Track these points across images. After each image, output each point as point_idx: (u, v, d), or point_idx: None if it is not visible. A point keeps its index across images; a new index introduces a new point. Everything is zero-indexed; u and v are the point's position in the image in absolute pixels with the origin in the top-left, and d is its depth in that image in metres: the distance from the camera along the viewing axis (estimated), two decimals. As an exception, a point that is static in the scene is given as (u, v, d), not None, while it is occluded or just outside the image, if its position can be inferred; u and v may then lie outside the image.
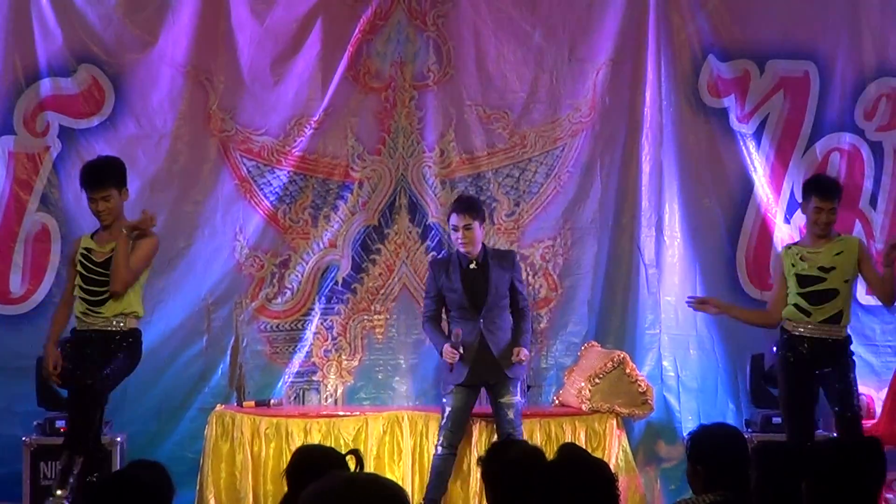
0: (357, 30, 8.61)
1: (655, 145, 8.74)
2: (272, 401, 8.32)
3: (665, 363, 8.68)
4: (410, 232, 8.74)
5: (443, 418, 7.63)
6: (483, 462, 4.70)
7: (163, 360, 8.43)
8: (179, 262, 8.40)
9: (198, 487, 7.79)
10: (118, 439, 7.87)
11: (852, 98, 8.73)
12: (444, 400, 7.66)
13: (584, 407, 7.94)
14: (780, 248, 7.93)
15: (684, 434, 8.12)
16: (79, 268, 7.13)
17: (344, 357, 8.67)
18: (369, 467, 7.11)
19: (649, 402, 8.01)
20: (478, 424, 7.85)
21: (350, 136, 8.68)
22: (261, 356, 8.62)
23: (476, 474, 7.55)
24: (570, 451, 4.48)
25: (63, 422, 7.51)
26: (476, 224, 7.65)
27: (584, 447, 7.07)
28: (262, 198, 8.63)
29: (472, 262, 7.68)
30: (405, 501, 2.78)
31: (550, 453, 4.54)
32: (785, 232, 8.60)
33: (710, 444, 4.61)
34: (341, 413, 8.16)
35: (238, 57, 8.58)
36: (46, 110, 8.48)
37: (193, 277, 8.52)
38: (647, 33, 8.71)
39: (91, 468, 6.91)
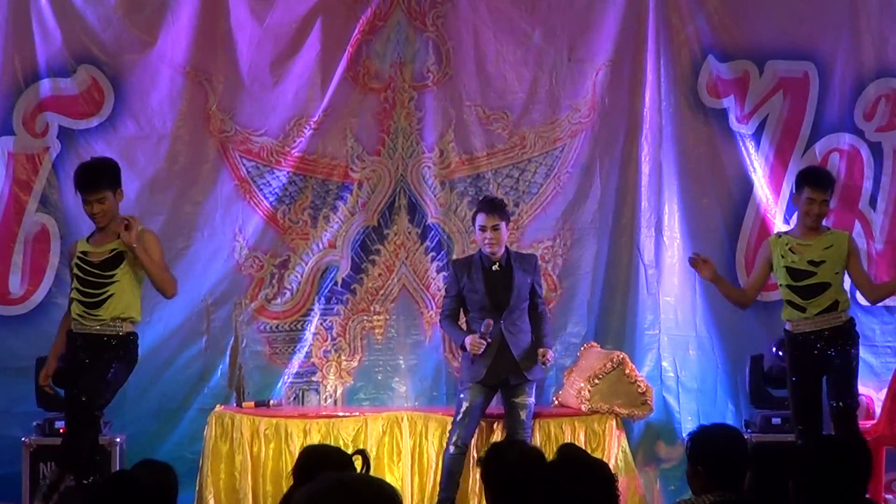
0: (356, 30, 8.61)
1: (655, 146, 8.74)
2: (271, 401, 8.32)
3: (664, 364, 8.68)
4: (410, 232, 8.74)
5: (458, 414, 7.61)
6: (482, 462, 4.70)
7: (162, 361, 8.44)
8: (179, 262, 8.38)
9: (197, 488, 7.78)
10: (118, 440, 7.87)
11: (852, 99, 8.73)
12: (462, 395, 7.64)
13: (583, 407, 7.94)
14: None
15: (684, 435, 8.14)
16: (75, 271, 7.11)
17: (343, 357, 8.67)
18: (369, 468, 7.10)
19: (649, 402, 8.01)
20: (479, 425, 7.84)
21: (349, 136, 8.68)
22: (260, 357, 8.62)
23: (476, 474, 7.54)
24: (569, 452, 4.49)
25: (62, 423, 7.50)
26: (503, 225, 7.67)
27: (583, 448, 7.08)
28: (262, 198, 8.63)
29: (495, 264, 7.68)
30: (398, 502, 2.78)
31: (550, 454, 4.54)
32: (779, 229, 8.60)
33: (710, 444, 4.61)
34: (341, 414, 8.16)
35: (237, 57, 8.58)
36: (46, 111, 8.48)
37: (193, 278, 8.51)
38: (647, 34, 8.71)
39: (86, 473, 6.87)
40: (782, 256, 7.37)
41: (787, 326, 7.39)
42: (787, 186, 8.60)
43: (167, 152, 8.57)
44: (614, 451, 7.85)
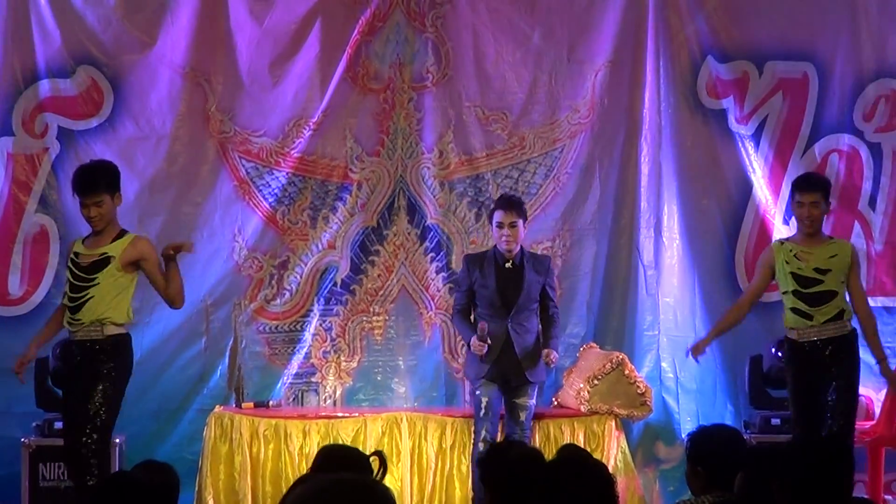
0: (356, 31, 8.61)
1: (654, 146, 8.74)
2: (271, 402, 8.31)
3: (664, 364, 8.68)
4: (409, 233, 8.74)
5: (479, 410, 7.58)
6: (482, 463, 4.70)
7: (161, 362, 8.43)
8: (178, 263, 8.35)
9: (196, 489, 7.78)
10: (117, 440, 7.84)
11: (851, 99, 8.74)
12: (478, 392, 7.62)
13: (582, 408, 7.94)
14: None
15: (683, 435, 8.15)
16: (67, 273, 7.08)
17: (343, 358, 8.67)
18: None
19: (648, 403, 8.00)
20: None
21: (349, 137, 8.68)
22: (259, 357, 8.62)
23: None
24: (571, 452, 4.49)
25: (61, 423, 7.47)
26: (520, 223, 7.67)
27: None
28: (261, 199, 8.63)
29: (508, 262, 7.69)
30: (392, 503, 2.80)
31: (549, 454, 4.54)
32: (784, 233, 8.58)
33: (710, 444, 4.61)
34: (340, 414, 8.15)
35: (237, 58, 8.58)
36: (45, 111, 8.48)
37: (192, 279, 8.47)
38: (646, 35, 8.72)
39: (86, 474, 6.84)
40: (787, 262, 7.33)
41: (792, 335, 7.31)
42: (787, 187, 8.58)
43: (166, 153, 8.57)
44: (613, 451, 7.85)
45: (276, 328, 8.65)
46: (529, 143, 8.74)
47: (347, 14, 8.63)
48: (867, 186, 8.75)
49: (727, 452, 4.55)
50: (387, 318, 8.71)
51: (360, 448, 7.34)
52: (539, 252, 8.34)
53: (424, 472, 7.85)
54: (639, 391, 7.98)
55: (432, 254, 8.70)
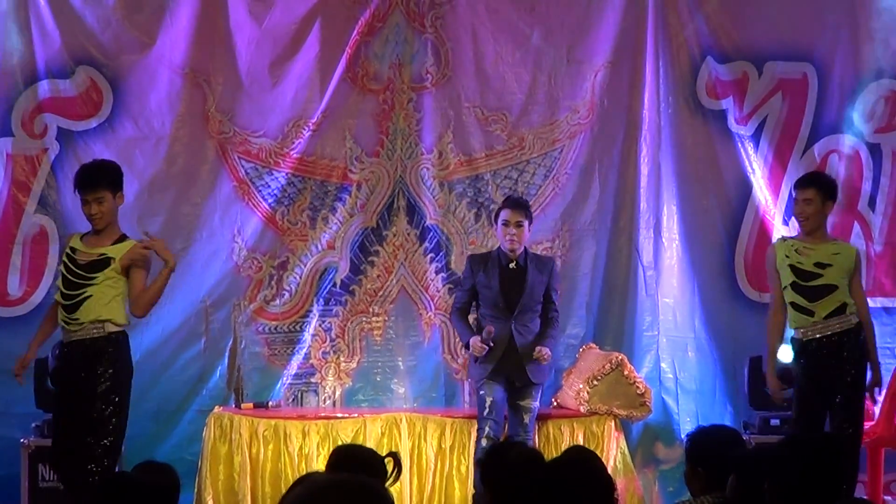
0: (355, 32, 8.61)
1: (654, 147, 8.74)
2: (270, 403, 8.32)
3: (663, 365, 8.68)
4: (409, 234, 8.74)
5: (483, 409, 7.58)
6: (482, 464, 4.70)
7: (161, 363, 8.43)
8: (178, 264, 8.33)
9: (196, 489, 7.78)
10: (116, 441, 7.86)
11: (850, 100, 8.73)
12: (482, 392, 7.62)
13: (582, 409, 7.94)
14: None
15: (682, 436, 8.15)
16: (61, 267, 7.03)
17: (342, 359, 8.67)
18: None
19: (647, 403, 8.00)
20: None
21: (348, 137, 8.68)
22: (259, 358, 8.61)
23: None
24: (574, 454, 4.49)
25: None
26: (526, 224, 7.70)
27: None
28: (261, 200, 8.63)
29: (511, 262, 7.70)
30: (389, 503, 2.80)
31: (549, 455, 4.55)
32: (784, 234, 8.59)
33: (710, 445, 4.61)
34: (339, 415, 8.15)
35: (236, 59, 8.58)
36: (44, 112, 8.48)
37: (192, 279, 8.51)
38: (646, 35, 8.71)
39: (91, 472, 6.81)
40: (787, 256, 7.31)
41: (796, 335, 7.28)
42: (786, 188, 8.60)
43: (166, 153, 8.56)
44: (613, 452, 7.85)
45: (275, 329, 8.65)
46: (529, 144, 8.75)
47: (347, 14, 8.63)
48: (867, 187, 8.75)
49: (726, 453, 4.55)
50: (386, 318, 8.71)
51: (394, 450, 7.35)
52: (539, 251, 8.34)
53: (424, 472, 7.85)
54: (638, 392, 7.98)
55: (432, 254, 8.70)
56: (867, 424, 7.96)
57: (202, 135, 8.61)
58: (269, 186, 8.64)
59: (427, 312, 8.70)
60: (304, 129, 8.61)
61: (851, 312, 7.23)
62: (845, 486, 5.82)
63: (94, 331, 6.82)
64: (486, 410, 7.57)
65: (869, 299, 7.90)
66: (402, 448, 7.85)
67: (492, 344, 7.55)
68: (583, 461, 4.33)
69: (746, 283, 8.71)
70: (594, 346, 8.48)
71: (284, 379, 8.60)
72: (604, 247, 8.76)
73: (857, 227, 8.68)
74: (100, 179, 6.90)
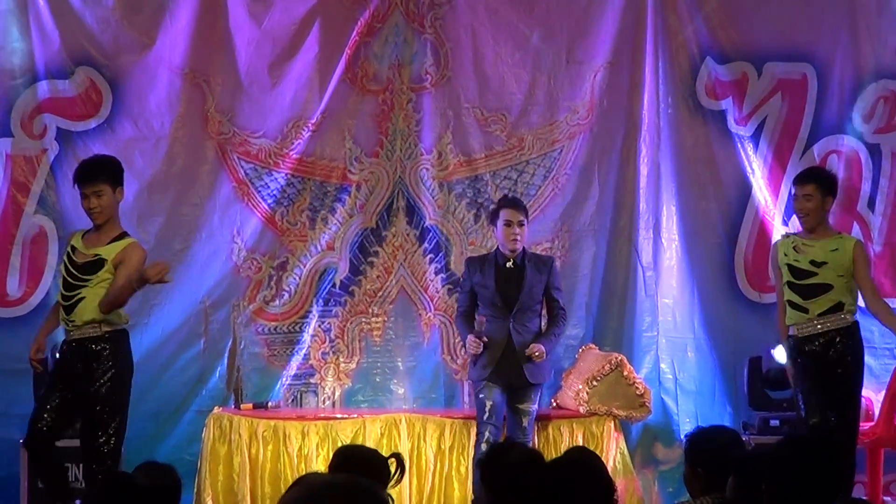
0: (355, 32, 8.61)
1: (653, 147, 8.74)
2: (270, 403, 8.31)
3: (663, 365, 8.68)
4: (408, 234, 8.74)
5: (482, 413, 7.58)
6: (482, 464, 4.70)
7: (160, 363, 8.42)
8: (177, 264, 8.36)
9: (195, 490, 7.78)
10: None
11: (850, 100, 8.74)
12: (481, 395, 7.61)
13: (581, 409, 7.94)
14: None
15: (682, 436, 8.15)
16: (62, 267, 7.03)
17: (341, 359, 8.66)
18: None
19: (647, 404, 8.00)
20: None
21: (347, 138, 8.68)
22: (258, 358, 8.61)
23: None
24: (575, 454, 4.49)
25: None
26: (526, 223, 7.72)
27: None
28: (260, 200, 8.63)
29: (508, 261, 7.70)
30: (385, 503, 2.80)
31: (548, 456, 4.55)
32: (787, 231, 8.59)
33: (709, 446, 4.60)
34: (339, 415, 8.15)
35: (236, 59, 8.57)
36: (44, 112, 8.47)
37: (191, 280, 8.51)
38: (645, 36, 8.72)
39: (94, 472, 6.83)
40: (785, 254, 7.32)
41: (792, 332, 7.27)
42: (786, 188, 8.60)
43: (165, 154, 8.56)
44: (612, 452, 7.84)
45: (274, 329, 8.65)
46: (528, 145, 8.74)
47: (346, 15, 8.63)
48: (866, 188, 8.75)
49: (726, 454, 4.54)
50: (386, 319, 8.71)
51: (397, 451, 7.34)
52: (538, 251, 8.34)
53: (423, 473, 7.84)
54: (637, 392, 7.98)
55: (431, 255, 8.70)
56: (867, 425, 7.96)
57: (202, 135, 8.61)
58: (269, 187, 8.64)
59: (426, 313, 8.70)
60: (304, 130, 8.61)
61: (848, 312, 7.23)
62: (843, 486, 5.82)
63: (91, 331, 6.83)
64: (486, 414, 7.56)
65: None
66: (401, 449, 7.84)
67: (485, 338, 7.54)
68: (583, 461, 4.33)
69: (746, 283, 8.71)
70: (593, 346, 8.48)
71: (284, 379, 8.60)
72: (603, 247, 8.76)
73: (856, 227, 8.68)
74: (99, 173, 6.90)
